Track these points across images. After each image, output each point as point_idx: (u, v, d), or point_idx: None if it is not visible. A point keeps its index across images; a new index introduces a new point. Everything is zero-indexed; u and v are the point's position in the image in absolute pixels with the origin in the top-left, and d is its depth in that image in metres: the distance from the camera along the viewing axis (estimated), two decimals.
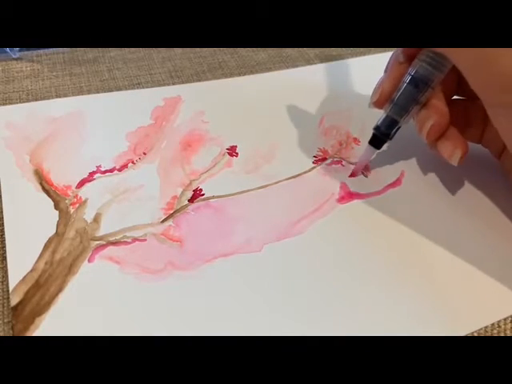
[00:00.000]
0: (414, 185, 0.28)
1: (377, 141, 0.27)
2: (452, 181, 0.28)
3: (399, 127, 0.26)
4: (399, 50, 0.26)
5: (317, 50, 0.38)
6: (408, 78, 0.25)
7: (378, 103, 0.26)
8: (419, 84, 0.24)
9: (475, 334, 0.21)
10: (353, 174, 0.28)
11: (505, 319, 0.22)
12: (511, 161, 0.26)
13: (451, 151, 0.25)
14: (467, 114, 0.27)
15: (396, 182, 0.28)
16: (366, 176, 0.28)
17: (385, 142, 0.27)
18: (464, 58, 0.22)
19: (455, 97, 0.27)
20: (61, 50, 0.36)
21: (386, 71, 0.27)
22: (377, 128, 0.26)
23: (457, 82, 0.26)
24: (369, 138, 0.27)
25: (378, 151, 0.27)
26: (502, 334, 0.21)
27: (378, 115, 0.27)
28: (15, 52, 0.35)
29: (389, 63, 0.27)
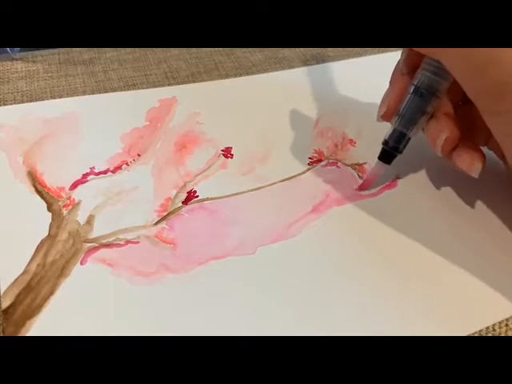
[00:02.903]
0: (409, 187, 0.28)
1: (386, 155, 0.26)
2: (448, 183, 0.28)
3: (408, 139, 0.25)
4: (401, 60, 0.26)
5: (313, 51, 0.38)
6: (412, 89, 0.24)
7: (385, 116, 0.26)
8: (424, 94, 0.24)
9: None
10: (361, 188, 0.27)
11: (500, 322, 0.22)
12: None
13: (470, 164, 0.24)
14: (473, 118, 0.26)
15: (391, 184, 0.28)
16: (362, 177, 0.28)
17: (395, 156, 0.26)
18: (457, 66, 0.21)
19: None
20: (56, 50, 0.36)
21: (390, 83, 0.26)
22: (385, 143, 0.26)
23: (462, 90, 0.26)
24: (365, 139, 0.27)
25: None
26: None
27: (374, 117, 0.27)
28: (15, 52, 0.35)
29: (392, 75, 0.26)
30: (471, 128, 0.26)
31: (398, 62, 0.26)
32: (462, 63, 0.21)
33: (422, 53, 0.24)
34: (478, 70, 0.20)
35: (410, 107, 0.25)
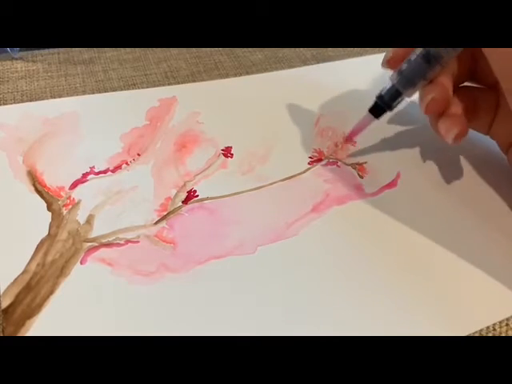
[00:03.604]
0: (409, 186, 0.28)
1: (377, 110, 0.26)
2: (448, 182, 0.28)
3: (402, 99, 0.26)
4: None
5: (313, 51, 0.38)
6: (421, 51, 0.24)
7: (390, 63, 0.26)
8: (431, 61, 0.24)
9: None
10: (346, 140, 0.28)
11: (500, 322, 0.22)
12: None
13: (448, 128, 0.25)
14: (477, 102, 0.26)
15: (392, 184, 0.28)
16: (362, 177, 0.28)
17: (385, 111, 0.26)
18: (498, 63, 0.22)
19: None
20: (56, 50, 0.36)
21: None
22: (380, 97, 0.26)
23: (469, 67, 0.26)
24: (365, 139, 0.27)
25: (377, 120, 0.27)
26: None
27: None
28: (15, 52, 0.35)
29: None
30: (473, 112, 0.26)
31: None
32: (503, 61, 0.21)
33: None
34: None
35: (414, 70, 0.24)
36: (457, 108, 0.25)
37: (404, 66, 0.25)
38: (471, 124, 0.25)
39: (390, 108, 0.26)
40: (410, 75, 0.25)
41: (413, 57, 0.24)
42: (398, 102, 0.26)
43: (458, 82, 0.25)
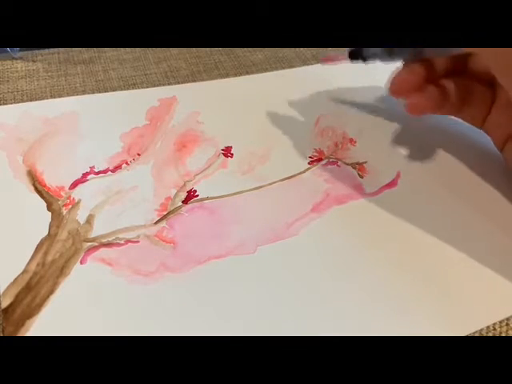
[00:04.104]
0: (409, 186, 0.28)
1: (355, 54, 0.28)
2: (448, 182, 0.28)
3: (375, 59, 0.27)
4: None
5: (313, 51, 0.38)
6: None
7: (394, 93, 0.27)
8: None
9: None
10: (323, 60, 0.29)
11: (500, 322, 0.22)
12: None
13: (412, 100, 0.26)
14: (471, 92, 0.27)
15: (392, 183, 0.28)
16: (362, 177, 0.28)
17: (357, 58, 0.28)
18: (496, 62, 0.22)
19: None
20: (56, 50, 0.36)
21: None
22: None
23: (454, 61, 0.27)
24: (365, 139, 0.27)
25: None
26: None
27: (374, 116, 0.27)
28: (16, 52, 0.35)
29: None
30: (463, 102, 0.27)
31: None
32: (502, 60, 0.21)
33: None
34: None
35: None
36: (433, 90, 0.26)
37: None
38: (464, 113, 0.26)
39: (364, 58, 0.27)
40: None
41: None
42: (371, 58, 0.27)
43: (442, 73, 0.26)
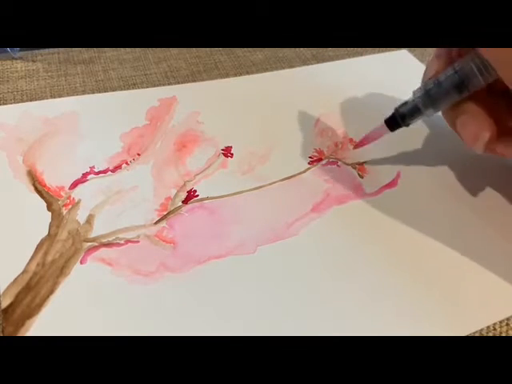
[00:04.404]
0: (409, 186, 0.28)
1: (393, 123, 0.26)
2: (448, 182, 0.28)
3: (420, 118, 0.25)
4: None
5: (313, 51, 0.38)
6: (454, 79, 0.23)
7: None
8: (463, 90, 0.23)
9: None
10: (356, 146, 0.28)
11: (500, 322, 0.22)
12: None
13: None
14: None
15: (392, 183, 0.28)
16: (362, 177, 0.28)
17: (400, 127, 0.26)
18: (505, 65, 0.21)
19: None
20: (56, 50, 0.36)
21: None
22: (398, 111, 0.25)
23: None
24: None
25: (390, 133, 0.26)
26: None
27: (375, 116, 0.27)
28: (15, 52, 0.35)
29: None
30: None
31: None
32: (505, 56, 0.20)
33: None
34: None
35: (442, 95, 0.24)
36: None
37: (431, 86, 0.24)
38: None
39: (407, 124, 0.25)
40: (437, 99, 0.24)
41: (443, 79, 0.24)
42: (416, 120, 0.25)
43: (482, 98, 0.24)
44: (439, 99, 0.24)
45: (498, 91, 0.22)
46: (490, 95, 0.23)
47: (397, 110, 0.26)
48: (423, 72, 0.26)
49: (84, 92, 0.32)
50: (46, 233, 0.23)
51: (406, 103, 0.25)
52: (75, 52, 0.36)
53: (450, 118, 0.25)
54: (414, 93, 0.25)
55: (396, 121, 0.26)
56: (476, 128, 0.24)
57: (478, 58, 0.22)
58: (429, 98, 0.24)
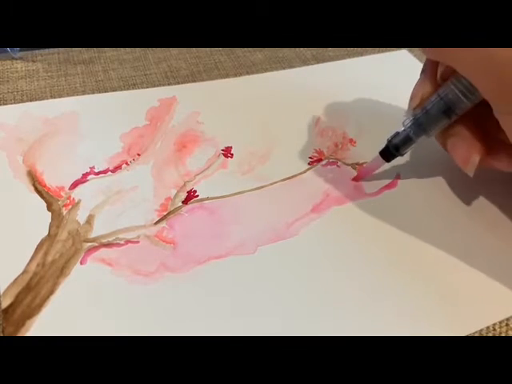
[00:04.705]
0: (409, 187, 0.28)
1: (388, 154, 0.26)
2: (448, 182, 0.28)
3: (413, 145, 0.25)
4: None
5: (313, 51, 0.38)
6: (440, 106, 0.23)
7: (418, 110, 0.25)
8: (452, 115, 0.23)
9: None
10: (356, 179, 0.28)
11: (500, 322, 0.22)
12: None
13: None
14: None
15: (391, 184, 0.28)
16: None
17: (395, 156, 0.26)
18: (471, 67, 0.21)
19: None
20: (56, 50, 0.36)
21: (422, 73, 0.25)
22: (391, 142, 0.26)
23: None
24: (365, 139, 0.27)
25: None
26: None
27: (374, 117, 0.27)
28: (16, 52, 0.35)
29: (425, 65, 0.25)
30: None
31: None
32: (477, 64, 0.20)
33: (433, 58, 0.24)
34: (493, 70, 0.20)
35: (432, 122, 0.24)
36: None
37: (420, 115, 0.24)
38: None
39: (401, 154, 0.26)
40: (428, 127, 0.24)
41: (429, 107, 0.24)
42: (410, 149, 0.25)
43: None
44: (429, 126, 0.24)
45: (484, 103, 0.22)
46: (476, 110, 0.23)
47: (389, 141, 0.26)
48: (408, 100, 0.26)
49: (84, 92, 0.32)
50: (46, 233, 0.23)
51: (397, 134, 0.25)
52: (75, 52, 0.36)
53: (441, 141, 0.26)
54: (404, 123, 0.25)
55: (390, 152, 0.26)
56: (466, 151, 0.24)
57: (460, 82, 0.22)
58: (419, 126, 0.24)
